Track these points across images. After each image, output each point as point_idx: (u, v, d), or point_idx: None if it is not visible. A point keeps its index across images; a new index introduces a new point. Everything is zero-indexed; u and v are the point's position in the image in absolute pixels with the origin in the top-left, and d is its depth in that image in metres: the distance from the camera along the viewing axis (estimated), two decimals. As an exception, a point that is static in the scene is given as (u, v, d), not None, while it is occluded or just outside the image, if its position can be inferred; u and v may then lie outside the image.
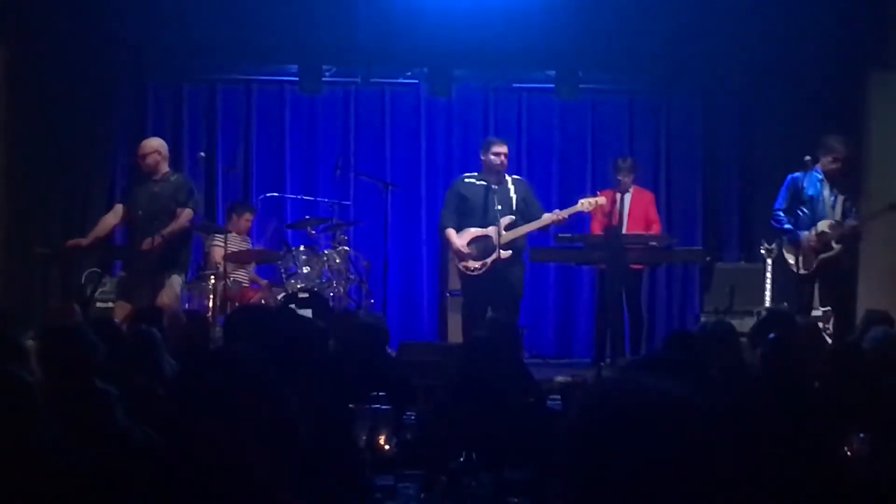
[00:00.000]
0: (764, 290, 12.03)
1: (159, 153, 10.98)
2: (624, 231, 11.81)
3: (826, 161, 11.11)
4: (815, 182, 11.14)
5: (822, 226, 11.06)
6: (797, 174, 11.25)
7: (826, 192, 11.12)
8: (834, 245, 11.05)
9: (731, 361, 7.20)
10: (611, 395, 2.00)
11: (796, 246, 11.12)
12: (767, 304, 11.79)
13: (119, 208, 11.13)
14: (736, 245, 13.91)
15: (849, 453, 5.57)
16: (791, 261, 11.19)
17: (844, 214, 11.16)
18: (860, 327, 8.50)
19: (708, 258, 12.61)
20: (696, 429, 1.94)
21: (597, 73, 13.84)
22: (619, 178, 12.21)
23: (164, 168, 10.99)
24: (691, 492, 1.89)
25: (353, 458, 5.83)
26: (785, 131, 12.47)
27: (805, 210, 11.14)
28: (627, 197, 12.23)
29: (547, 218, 11.27)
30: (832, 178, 11.12)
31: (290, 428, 3.40)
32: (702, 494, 1.90)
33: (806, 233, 11.07)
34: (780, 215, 11.23)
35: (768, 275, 11.61)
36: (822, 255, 11.03)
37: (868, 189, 12.66)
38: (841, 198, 11.16)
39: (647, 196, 12.54)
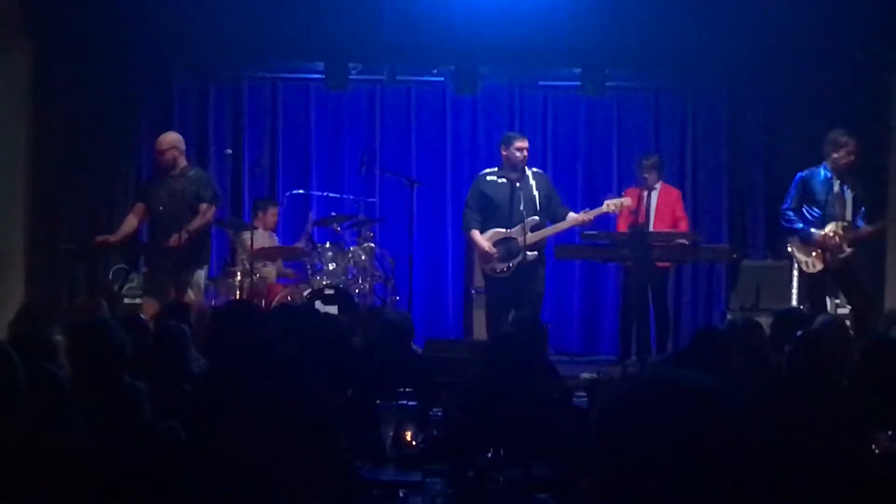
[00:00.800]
0: (790, 287, 12.01)
1: (177, 148, 11.00)
2: (650, 228, 11.79)
3: (839, 156, 11.03)
4: (823, 180, 11.09)
5: (834, 227, 10.99)
6: (804, 173, 11.20)
7: (836, 189, 11.07)
8: (846, 248, 10.98)
9: (757, 359, 7.20)
10: (640, 388, 2.00)
11: (808, 245, 11.07)
12: (794, 301, 11.76)
13: (140, 206, 11.14)
14: (762, 243, 13.88)
15: (876, 451, 5.55)
16: (802, 258, 11.13)
17: (855, 210, 11.10)
18: (882, 327, 8.48)
19: (734, 256, 12.58)
20: (726, 423, 1.94)
21: (622, 71, 13.81)
22: (644, 175, 12.19)
23: (182, 162, 11.01)
24: (720, 485, 1.90)
25: (379, 454, 5.86)
26: (810, 129, 12.42)
27: (815, 209, 11.08)
28: (654, 194, 12.21)
29: (572, 219, 11.25)
30: (843, 173, 11.05)
31: (318, 425, 3.41)
32: (730, 488, 1.90)
33: (818, 231, 11.01)
34: (789, 214, 11.18)
35: (795, 272, 11.59)
36: (838, 255, 10.96)
37: (893, 185, 12.62)
38: (851, 193, 11.09)
39: (674, 193, 12.53)
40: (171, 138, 11.13)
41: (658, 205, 12.20)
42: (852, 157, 11.02)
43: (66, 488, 3.91)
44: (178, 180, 10.89)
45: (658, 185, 12.29)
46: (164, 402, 5.46)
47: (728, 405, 1.95)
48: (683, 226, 12.22)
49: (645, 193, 12.11)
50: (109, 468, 4.06)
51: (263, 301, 11.99)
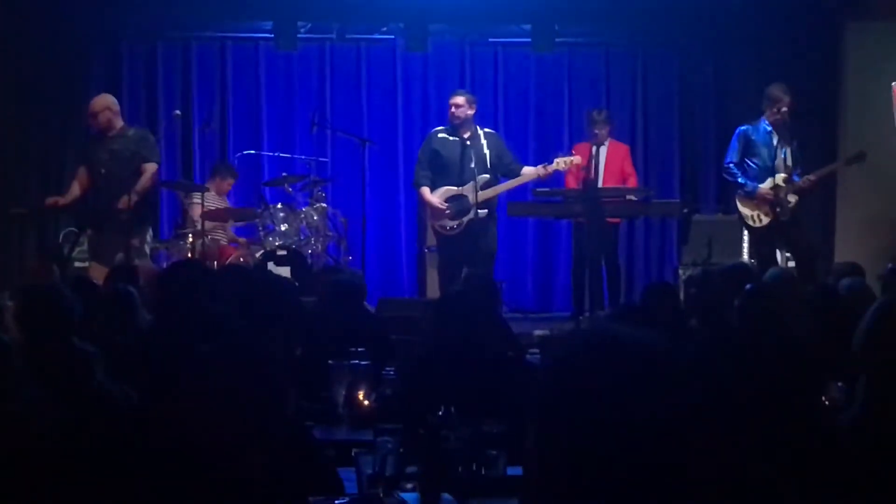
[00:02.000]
0: (742, 241, 12.07)
1: (110, 109, 10.85)
2: (600, 184, 11.78)
3: (773, 112, 11.12)
4: (763, 134, 11.16)
5: (778, 179, 11.08)
6: (746, 126, 11.28)
7: (775, 143, 11.13)
8: (790, 198, 11.07)
9: (711, 313, 7.23)
10: (583, 343, 2.00)
11: (751, 199, 11.15)
12: (745, 255, 11.82)
13: (82, 171, 11.02)
14: (713, 197, 13.93)
15: (826, 402, 5.60)
16: (746, 213, 11.20)
17: (794, 162, 11.18)
18: (832, 279, 8.53)
19: (685, 210, 12.62)
20: (670, 377, 1.94)
21: (573, 26, 13.83)
22: (595, 130, 12.12)
23: (118, 123, 10.87)
24: (663, 439, 1.90)
25: (331, 414, 5.86)
26: (761, 82, 12.44)
27: (756, 162, 11.17)
28: (603, 150, 12.14)
29: (528, 174, 11.24)
30: (779, 128, 11.12)
31: (265, 385, 3.40)
32: (674, 442, 1.91)
33: (761, 185, 11.09)
34: (732, 168, 11.25)
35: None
36: (786, 206, 11.05)
37: (843, 138, 12.71)
38: (788, 148, 11.16)
39: (623, 149, 12.48)
40: (104, 100, 10.98)
41: (607, 160, 12.14)
42: (785, 115, 11.08)
43: (16, 453, 3.89)
44: (118, 140, 10.76)
45: (607, 141, 12.24)
46: (115, 365, 5.44)
47: (673, 359, 1.95)
48: (633, 181, 12.16)
49: (594, 148, 12.07)
50: (60, 432, 4.04)
51: (216, 263, 11.93)
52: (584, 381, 1.93)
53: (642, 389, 1.92)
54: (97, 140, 10.91)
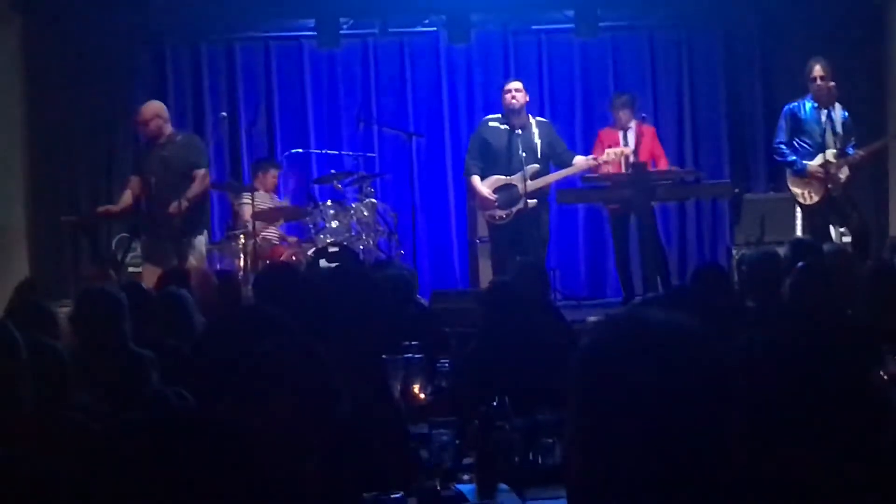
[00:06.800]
0: (794, 219, 11.98)
1: (160, 117, 10.95)
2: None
3: (814, 85, 11.02)
4: (810, 110, 11.06)
5: (828, 155, 10.98)
6: (793, 104, 11.19)
7: (823, 118, 11.02)
8: (841, 173, 10.97)
9: (769, 292, 7.17)
10: (613, 330, 1.99)
11: (802, 177, 11.06)
12: (798, 233, 11.73)
13: (134, 180, 11.11)
14: (764, 175, 13.81)
15: (885, 376, 5.56)
16: (798, 191, 11.12)
17: (847, 133, 11.06)
18: (887, 253, 8.47)
19: (736, 191, 12.53)
20: (705, 362, 1.92)
21: (615, 10, 13.75)
22: (618, 114, 11.99)
23: (168, 130, 10.96)
24: (700, 426, 1.89)
25: (389, 409, 5.86)
26: (807, 58, 12.35)
27: (806, 140, 11.07)
28: (630, 134, 11.99)
29: (580, 164, 11.23)
30: (823, 100, 11.00)
31: (322, 383, 3.41)
32: (712, 429, 1.89)
33: (810, 163, 10.99)
34: (782, 148, 11.17)
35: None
36: (838, 181, 10.95)
37: (892, 111, 12.60)
38: (839, 120, 11.04)
39: (650, 131, 12.25)
40: (154, 107, 11.08)
41: (634, 144, 12.00)
42: (829, 84, 10.96)
43: (72, 460, 3.92)
44: (167, 147, 10.84)
45: (632, 125, 12.09)
46: (170, 369, 5.47)
47: (706, 345, 1.93)
48: (663, 163, 11.97)
49: (620, 133, 11.97)
50: (115, 437, 4.06)
51: (268, 262, 11.96)
52: (613, 367, 1.93)
53: (674, 376, 1.90)
54: (147, 148, 11.01)
